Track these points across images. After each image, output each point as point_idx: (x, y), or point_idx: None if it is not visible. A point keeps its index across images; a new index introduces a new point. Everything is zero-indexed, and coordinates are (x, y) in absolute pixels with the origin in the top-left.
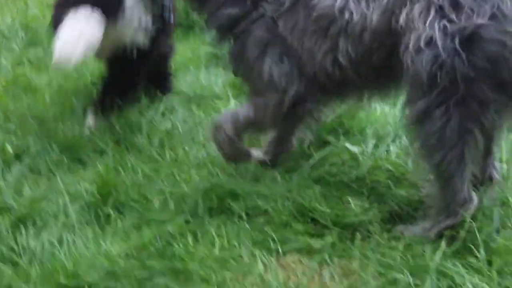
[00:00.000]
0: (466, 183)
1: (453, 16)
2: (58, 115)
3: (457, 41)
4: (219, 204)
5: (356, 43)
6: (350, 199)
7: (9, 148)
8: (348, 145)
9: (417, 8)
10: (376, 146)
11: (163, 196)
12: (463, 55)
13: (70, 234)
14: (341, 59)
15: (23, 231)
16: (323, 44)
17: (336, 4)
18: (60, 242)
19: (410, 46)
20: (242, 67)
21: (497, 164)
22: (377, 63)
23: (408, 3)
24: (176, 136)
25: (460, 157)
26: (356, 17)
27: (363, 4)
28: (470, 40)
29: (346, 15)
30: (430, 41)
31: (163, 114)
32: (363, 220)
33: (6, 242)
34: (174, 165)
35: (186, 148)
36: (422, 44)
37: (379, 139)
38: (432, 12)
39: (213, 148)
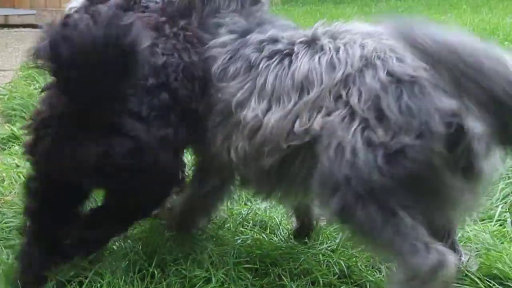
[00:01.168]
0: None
1: (379, 130)
2: None
3: (379, 156)
4: (262, 264)
5: (247, 143)
6: None
7: None
8: None
9: (336, 115)
10: None
11: (207, 253)
12: (383, 170)
13: None
14: (232, 154)
15: None
16: (223, 130)
17: (236, 96)
18: None
19: (331, 151)
20: None
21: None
22: (267, 167)
23: (324, 109)
24: None
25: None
26: (250, 116)
27: (264, 104)
28: (393, 157)
29: (244, 111)
30: (353, 151)
31: None
32: None
33: None
34: (214, 220)
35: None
36: (343, 151)
37: None
38: (356, 123)
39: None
